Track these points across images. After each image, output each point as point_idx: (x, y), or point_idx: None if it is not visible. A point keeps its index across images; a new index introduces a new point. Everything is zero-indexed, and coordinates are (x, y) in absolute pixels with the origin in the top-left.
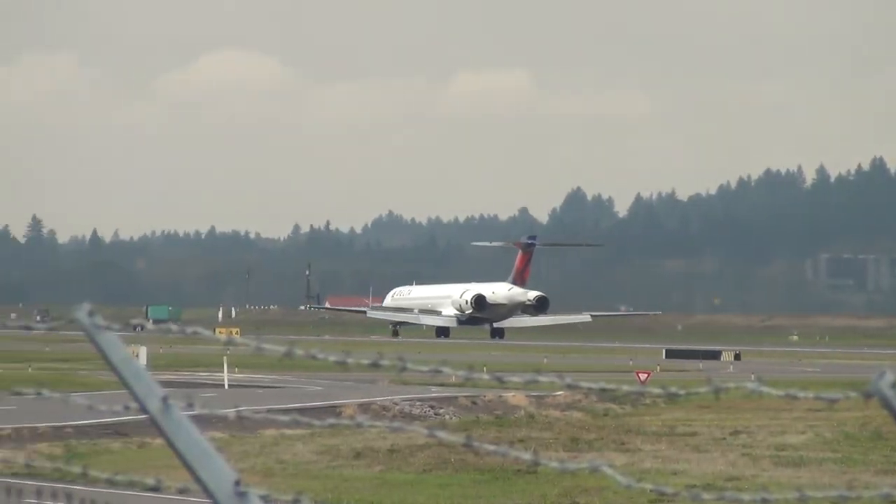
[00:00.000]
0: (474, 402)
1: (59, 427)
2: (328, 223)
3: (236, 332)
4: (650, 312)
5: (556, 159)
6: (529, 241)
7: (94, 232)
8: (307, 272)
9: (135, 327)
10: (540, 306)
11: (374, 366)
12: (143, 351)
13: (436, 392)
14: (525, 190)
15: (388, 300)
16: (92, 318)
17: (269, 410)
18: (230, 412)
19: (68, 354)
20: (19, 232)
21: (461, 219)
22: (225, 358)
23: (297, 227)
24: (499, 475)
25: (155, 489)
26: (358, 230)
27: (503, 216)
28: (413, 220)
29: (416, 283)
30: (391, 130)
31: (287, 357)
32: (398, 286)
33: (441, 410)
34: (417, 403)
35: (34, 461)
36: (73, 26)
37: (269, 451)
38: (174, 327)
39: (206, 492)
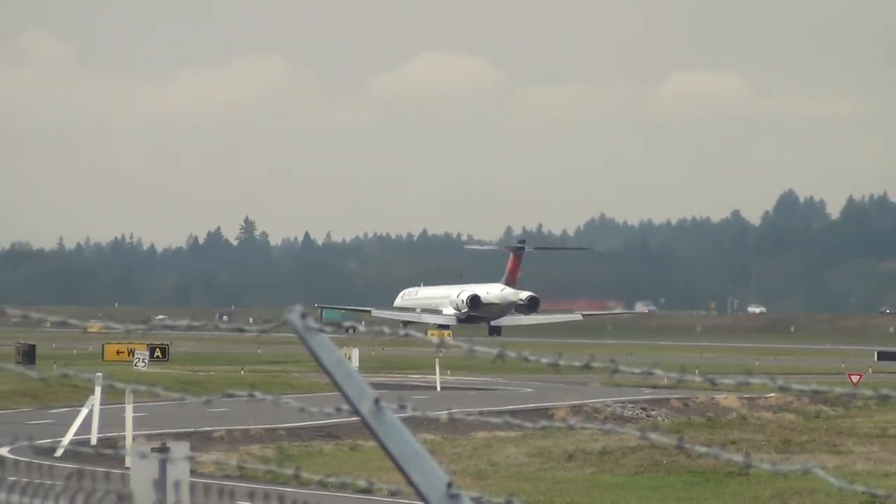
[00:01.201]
0: (686, 404)
1: (272, 429)
2: (540, 225)
3: (448, 335)
4: (638, 311)
5: (767, 161)
6: (519, 245)
7: (307, 234)
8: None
9: (347, 329)
10: (531, 305)
11: (586, 368)
12: (355, 353)
13: (648, 394)
14: (736, 192)
15: (399, 300)
16: (304, 321)
17: (481, 413)
18: (442, 414)
19: (280, 356)
20: (231, 234)
21: (673, 221)
22: (437, 360)
23: (509, 230)
24: (710, 477)
25: (367, 491)
26: (570, 232)
27: (715, 218)
28: (625, 222)
29: (424, 285)
30: (603, 132)
31: (499, 359)
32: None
33: (653, 412)
34: (629, 405)
35: (247, 463)
36: (285, 28)
37: (481, 454)
38: (387, 329)
39: (419, 494)
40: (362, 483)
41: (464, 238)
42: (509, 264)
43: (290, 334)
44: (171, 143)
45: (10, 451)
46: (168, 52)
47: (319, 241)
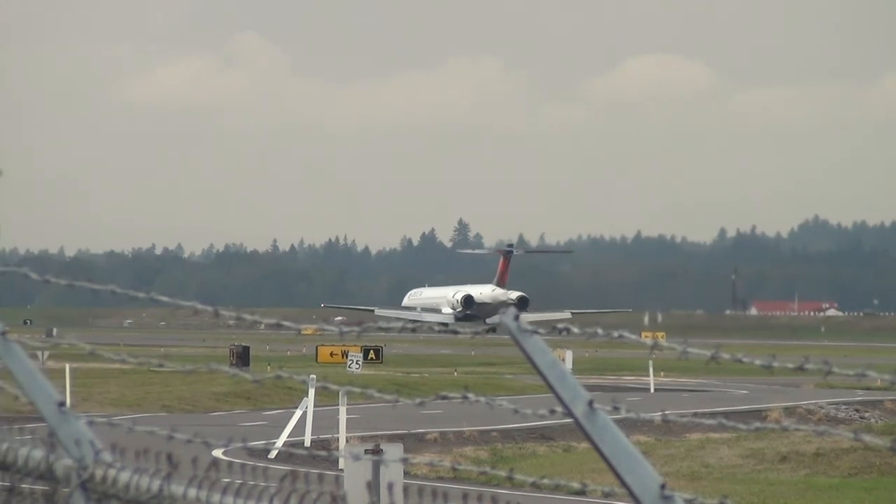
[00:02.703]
0: None
1: (485, 431)
2: (754, 227)
3: (662, 337)
4: (625, 310)
5: None
6: (508, 249)
7: (520, 236)
8: (733, 276)
9: (560, 331)
10: (521, 305)
11: (800, 369)
12: (569, 355)
13: (861, 396)
14: None
15: (406, 300)
16: (518, 323)
17: (694, 414)
18: (656, 416)
19: (493, 358)
20: (445, 236)
21: (887, 223)
22: (651, 362)
23: (723, 231)
24: None
25: (580, 493)
26: (784, 234)
27: None
28: (839, 224)
29: (429, 286)
30: (816, 133)
31: (713, 361)
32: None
33: (866, 414)
34: (843, 407)
35: (460, 465)
36: (499, 29)
37: (695, 455)
38: (600, 331)
39: (632, 496)
40: (576, 485)
41: (678, 240)
42: (499, 266)
43: (504, 336)
44: (385, 145)
45: (224, 453)
46: (381, 55)
47: (533, 243)
